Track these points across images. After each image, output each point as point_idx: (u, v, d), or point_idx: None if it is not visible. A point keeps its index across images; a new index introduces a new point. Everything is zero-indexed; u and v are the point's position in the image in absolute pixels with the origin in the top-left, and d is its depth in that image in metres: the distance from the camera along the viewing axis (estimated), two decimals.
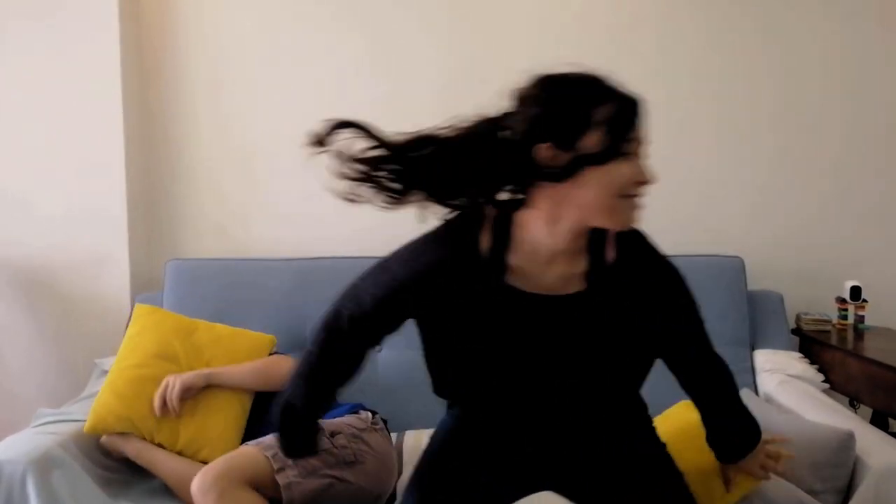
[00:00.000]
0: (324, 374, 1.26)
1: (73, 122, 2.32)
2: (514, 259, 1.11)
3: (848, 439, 1.62)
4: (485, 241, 1.10)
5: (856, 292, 2.33)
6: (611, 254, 1.12)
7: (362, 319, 1.17)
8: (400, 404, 2.00)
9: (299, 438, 1.36)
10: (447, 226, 1.13)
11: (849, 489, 1.64)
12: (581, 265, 1.12)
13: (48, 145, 2.33)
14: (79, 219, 2.35)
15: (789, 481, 1.64)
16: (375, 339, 1.25)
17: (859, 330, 2.33)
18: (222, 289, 2.25)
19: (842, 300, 2.37)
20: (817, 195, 2.48)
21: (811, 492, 1.62)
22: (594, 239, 1.12)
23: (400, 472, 1.78)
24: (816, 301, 2.44)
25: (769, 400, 2.07)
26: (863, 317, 2.35)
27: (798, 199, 2.49)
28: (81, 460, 1.78)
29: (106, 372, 2.15)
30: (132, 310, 2.30)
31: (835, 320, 2.36)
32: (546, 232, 1.08)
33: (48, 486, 1.63)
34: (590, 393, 1.17)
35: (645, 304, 1.14)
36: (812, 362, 2.21)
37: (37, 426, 1.85)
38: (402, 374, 2.09)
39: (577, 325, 1.12)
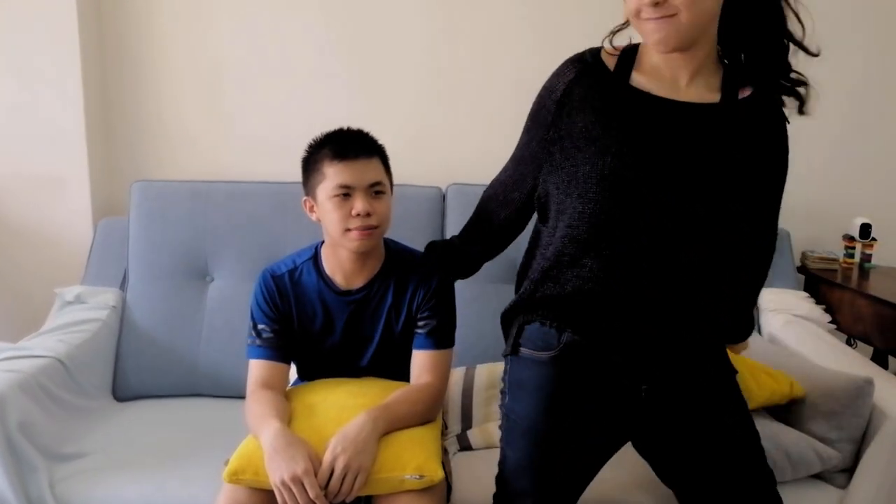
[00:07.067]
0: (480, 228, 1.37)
1: (24, 34, 2.10)
2: (640, 75, 1.15)
3: (866, 387, 1.55)
4: (611, 64, 1.16)
5: (865, 230, 2.22)
6: (745, 92, 1.16)
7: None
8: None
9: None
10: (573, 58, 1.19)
11: (863, 437, 1.57)
12: (713, 95, 1.14)
13: None
14: (32, 137, 2.15)
15: (802, 431, 1.58)
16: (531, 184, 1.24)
17: (865, 269, 2.24)
18: (194, 213, 2.07)
19: (849, 238, 2.27)
20: (828, 129, 2.33)
21: (825, 440, 1.55)
22: (728, 76, 1.16)
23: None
24: (821, 239, 2.34)
25: (774, 341, 1.99)
26: (870, 256, 2.26)
27: (807, 133, 2.34)
28: (41, 400, 1.67)
29: (68, 302, 1.99)
30: (94, 235, 2.12)
31: (840, 259, 2.26)
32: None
33: (5, 427, 1.52)
34: (710, 248, 1.16)
35: (764, 144, 1.19)
36: (817, 302, 2.13)
37: None
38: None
39: (702, 134, 1.12)
